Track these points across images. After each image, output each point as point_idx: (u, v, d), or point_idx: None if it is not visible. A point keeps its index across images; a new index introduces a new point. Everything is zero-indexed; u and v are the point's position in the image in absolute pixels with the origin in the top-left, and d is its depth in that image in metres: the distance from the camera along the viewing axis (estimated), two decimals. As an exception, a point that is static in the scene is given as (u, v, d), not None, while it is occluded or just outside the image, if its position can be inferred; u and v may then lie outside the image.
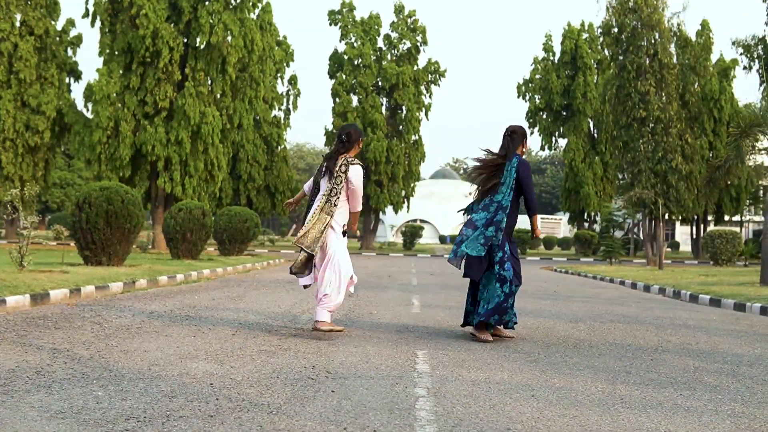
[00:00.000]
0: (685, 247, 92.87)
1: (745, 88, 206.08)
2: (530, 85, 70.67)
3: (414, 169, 66.35)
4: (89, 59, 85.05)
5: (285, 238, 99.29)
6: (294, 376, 7.39)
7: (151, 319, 11.60)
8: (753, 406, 6.68)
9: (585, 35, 70.01)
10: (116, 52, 43.52)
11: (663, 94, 47.24)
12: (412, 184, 66.75)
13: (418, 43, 68.15)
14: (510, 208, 10.37)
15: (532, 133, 69.82)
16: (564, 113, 69.52)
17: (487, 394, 6.87)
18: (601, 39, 53.03)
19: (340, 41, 67.58)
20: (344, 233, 10.53)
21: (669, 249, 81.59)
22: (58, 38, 49.40)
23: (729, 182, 56.15)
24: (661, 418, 6.13)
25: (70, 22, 50.50)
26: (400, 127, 66.29)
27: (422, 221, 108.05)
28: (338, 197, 10.34)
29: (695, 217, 63.06)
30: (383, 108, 67.17)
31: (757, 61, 53.11)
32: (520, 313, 13.66)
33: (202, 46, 44.12)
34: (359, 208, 10.75)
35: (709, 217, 66.08)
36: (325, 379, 7.35)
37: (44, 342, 8.99)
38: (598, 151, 67.83)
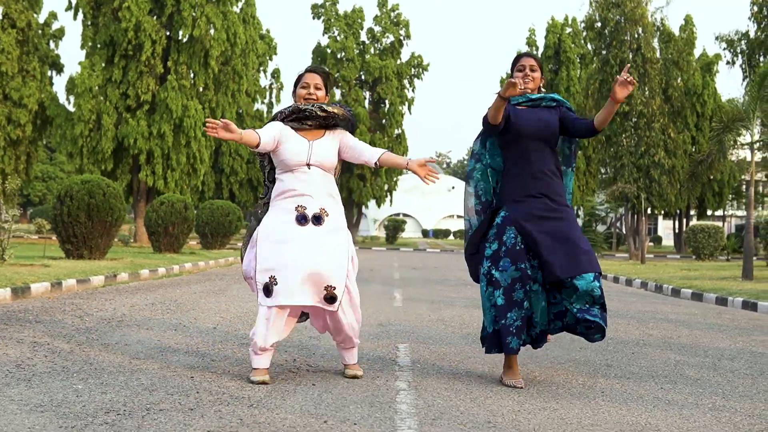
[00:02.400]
0: (668, 241, 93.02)
1: (728, 83, 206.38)
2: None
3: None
4: (71, 52, 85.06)
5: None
6: (275, 370, 7.37)
7: (132, 313, 11.57)
8: (734, 400, 6.69)
9: (568, 30, 70.01)
10: (98, 45, 43.38)
11: (646, 89, 47.27)
12: (395, 178, 66.70)
13: (402, 37, 68.08)
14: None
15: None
16: (546, 108, 69.49)
17: (468, 387, 6.87)
18: (585, 33, 53.04)
19: (323, 35, 67.44)
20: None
21: (651, 243, 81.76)
22: (40, 31, 49.16)
23: (711, 177, 56.22)
24: (641, 411, 6.14)
25: (53, 15, 50.26)
26: (383, 120, 66.22)
27: (405, 215, 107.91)
28: None
29: (678, 211, 63.17)
30: (366, 102, 67.06)
31: (740, 56, 53.15)
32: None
33: (184, 40, 44.01)
34: None
35: (692, 212, 66.20)
36: (306, 372, 7.35)
37: (25, 335, 8.96)
38: (580, 145, 67.73)
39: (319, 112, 7.32)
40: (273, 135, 7.27)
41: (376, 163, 7.36)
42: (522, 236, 7.13)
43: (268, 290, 6.88)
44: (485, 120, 7.30)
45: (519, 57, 7.66)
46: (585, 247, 7.11)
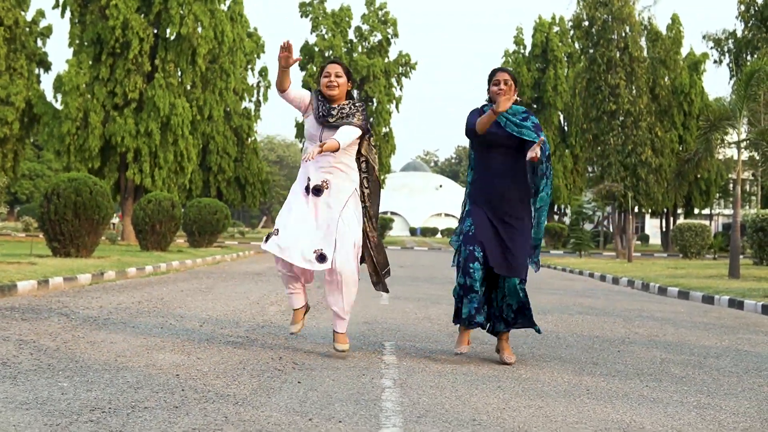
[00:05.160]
0: (655, 240, 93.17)
1: (716, 82, 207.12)
2: (501, 77, 70.70)
3: (384, 161, 66.30)
4: (59, 50, 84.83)
5: (255, 231, 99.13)
6: (261, 367, 7.38)
7: (119, 311, 11.56)
8: (719, 398, 6.71)
9: (556, 28, 70.15)
10: (86, 43, 43.35)
11: (633, 88, 47.38)
12: (382, 177, 66.68)
13: (389, 36, 68.12)
14: None
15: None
16: (534, 106, 69.60)
17: (454, 384, 6.89)
18: (572, 32, 53.17)
19: (311, 33, 67.47)
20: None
21: (638, 242, 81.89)
22: (27, 29, 49.04)
23: (698, 175, 56.43)
24: (626, 409, 6.16)
25: (40, 13, 50.15)
26: (371, 119, 66.25)
27: (393, 213, 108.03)
28: None
29: (665, 210, 63.31)
30: (354, 100, 67.10)
31: (727, 55, 53.32)
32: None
33: (172, 38, 43.98)
34: None
35: (679, 210, 66.35)
36: (292, 370, 7.35)
37: (11, 333, 8.95)
38: (568, 144, 67.99)
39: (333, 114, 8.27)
40: (300, 94, 8.43)
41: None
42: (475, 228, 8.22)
43: (267, 236, 8.05)
44: (472, 131, 8.26)
45: (494, 72, 8.38)
46: (520, 255, 8.22)
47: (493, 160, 8.25)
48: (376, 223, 8.61)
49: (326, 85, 8.28)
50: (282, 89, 8.28)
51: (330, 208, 8.13)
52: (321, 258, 7.91)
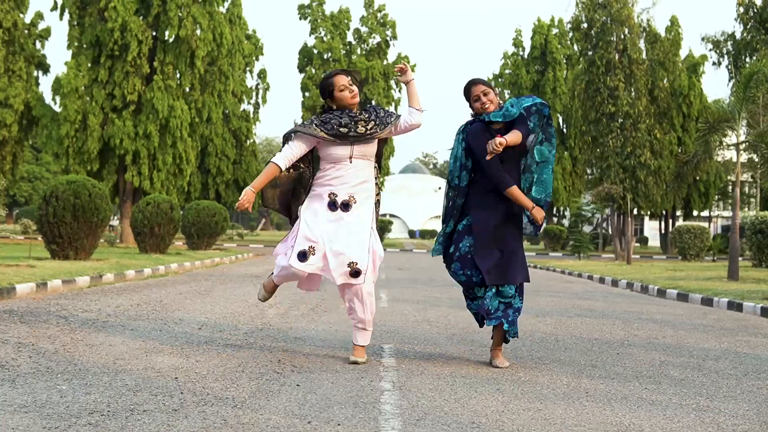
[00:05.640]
0: (654, 242, 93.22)
1: (714, 84, 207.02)
2: (500, 80, 70.79)
3: (384, 163, 66.17)
4: (58, 52, 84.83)
5: (254, 233, 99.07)
6: (259, 370, 7.38)
7: (117, 314, 11.55)
8: (718, 400, 6.71)
9: (555, 30, 70.22)
10: (84, 45, 43.39)
11: (632, 90, 47.39)
12: (381, 179, 66.61)
13: (388, 38, 68.16)
14: None
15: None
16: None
17: (453, 387, 6.88)
18: (571, 34, 53.28)
19: (310, 35, 67.52)
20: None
21: (637, 244, 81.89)
22: (26, 31, 49.05)
23: (697, 177, 56.39)
24: (625, 412, 6.15)
25: (39, 15, 50.14)
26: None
27: (392, 216, 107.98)
28: None
29: (664, 212, 63.36)
30: (353, 102, 67.17)
31: (726, 57, 53.35)
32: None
33: (170, 40, 44.00)
34: None
35: (678, 212, 66.39)
36: (291, 373, 7.34)
37: (9, 336, 8.94)
38: (567, 146, 67.99)
39: (358, 131, 8.04)
40: (294, 155, 8.13)
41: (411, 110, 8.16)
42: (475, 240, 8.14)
43: (304, 256, 7.83)
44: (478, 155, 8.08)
45: (469, 87, 8.26)
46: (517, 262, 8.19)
47: (489, 167, 8.06)
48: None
49: (350, 98, 8.06)
50: (279, 173, 8.15)
51: (360, 221, 8.06)
52: (356, 273, 7.81)
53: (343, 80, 8.11)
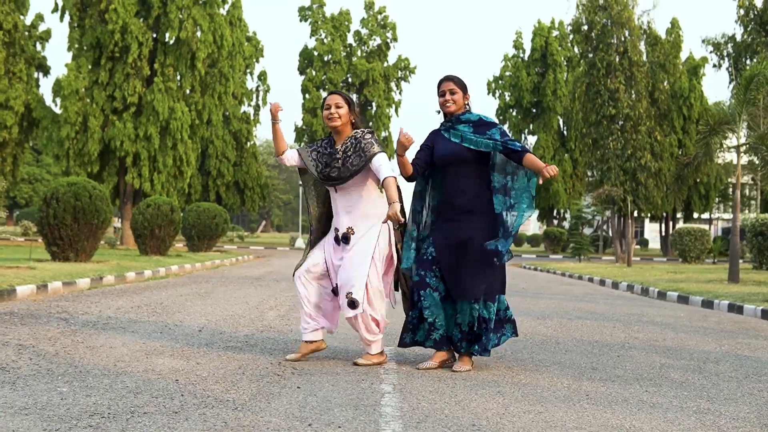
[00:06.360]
0: (654, 244, 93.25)
1: (715, 86, 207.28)
2: (500, 82, 70.78)
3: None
4: (58, 54, 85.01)
5: (254, 235, 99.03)
6: (260, 373, 7.38)
7: (118, 315, 11.55)
8: (719, 403, 6.70)
9: (555, 33, 70.22)
10: (85, 47, 43.39)
11: (632, 92, 47.35)
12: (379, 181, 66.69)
13: (388, 40, 68.25)
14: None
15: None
16: (534, 110, 69.72)
17: (453, 390, 6.88)
18: (571, 36, 53.19)
19: (310, 37, 67.62)
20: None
21: (638, 246, 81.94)
22: (26, 33, 49.10)
23: (698, 180, 56.42)
24: (626, 414, 6.15)
25: (39, 17, 50.21)
26: (370, 123, 66.26)
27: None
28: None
29: (664, 214, 63.36)
30: (353, 104, 67.26)
31: (726, 59, 53.33)
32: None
33: (171, 42, 44.02)
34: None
35: (678, 215, 66.42)
36: (291, 375, 7.34)
37: (10, 338, 8.94)
38: (567, 148, 68.03)
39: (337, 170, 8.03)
40: (295, 156, 8.42)
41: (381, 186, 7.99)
42: (435, 250, 8.04)
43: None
44: (404, 177, 8.23)
45: (440, 82, 8.21)
46: (475, 275, 7.92)
47: (453, 175, 8.05)
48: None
49: (327, 117, 8.05)
50: (279, 153, 8.43)
51: (360, 250, 7.96)
52: (352, 304, 7.84)
53: (330, 100, 8.10)
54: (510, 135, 8.10)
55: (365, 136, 8.04)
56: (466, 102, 8.16)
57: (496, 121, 8.22)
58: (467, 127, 8.05)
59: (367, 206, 8.06)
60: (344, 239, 7.99)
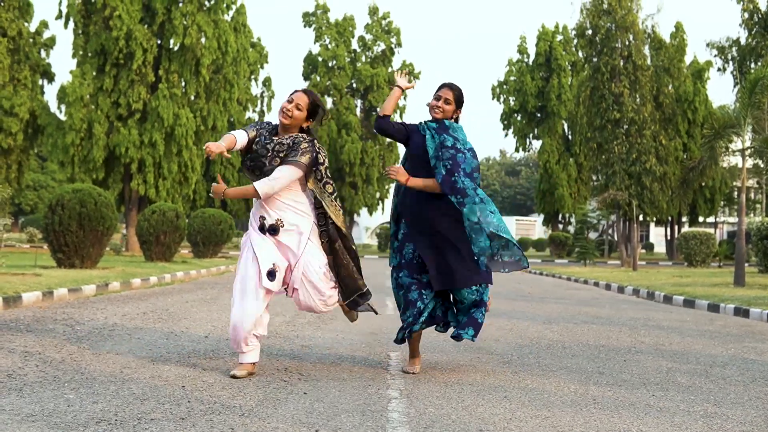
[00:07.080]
0: (660, 248, 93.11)
1: (719, 90, 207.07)
2: (505, 86, 70.72)
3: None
4: (63, 61, 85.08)
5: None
6: (266, 378, 7.38)
7: (124, 322, 11.55)
8: (726, 407, 6.70)
9: (559, 37, 70.16)
10: (89, 54, 43.37)
11: (637, 96, 47.41)
12: (386, 186, 66.74)
13: (393, 45, 68.25)
14: None
15: (506, 135, 70.48)
16: (538, 115, 69.68)
17: (460, 395, 6.87)
18: (576, 41, 53.33)
19: (315, 43, 67.60)
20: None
21: (643, 250, 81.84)
22: (31, 40, 49.09)
23: (703, 183, 56.44)
24: (633, 419, 6.14)
25: (44, 24, 50.21)
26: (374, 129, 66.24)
27: (387, 223, 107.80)
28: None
29: (669, 218, 63.28)
30: (358, 110, 67.27)
31: (731, 62, 53.29)
32: (495, 314, 13.66)
33: (175, 48, 43.99)
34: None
35: (684, 219, 66.33)
36: (298, 381, 7.34)
37: (16, 345, 8.94)
38: (572, 152, 67.92)
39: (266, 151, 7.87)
40: (245, 134, 7.95)
41: None
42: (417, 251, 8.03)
43: (272, 275, 7.63)
44: (378, 115, 8.25)
45: (441, 86, 8.22)
46: (462, 262, 7.93)
47: (419, 176, 8.01)
48: (347, 241, 8.15)
49: (282, 109, 7.81)
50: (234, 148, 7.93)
51: (289, 247, 7.79)
52: (270, 274, 7.62)
53: (296, 97, 7.85)
54: (467, 171, 7.92)
55: (303, 144, 7.77)
56: (455, 116, 8.17)
57: (468, 149, 8.04)
58: (444, 135, 8.03)
59: (296, 201, 7.88)
60: (272, 230, 7.74)
